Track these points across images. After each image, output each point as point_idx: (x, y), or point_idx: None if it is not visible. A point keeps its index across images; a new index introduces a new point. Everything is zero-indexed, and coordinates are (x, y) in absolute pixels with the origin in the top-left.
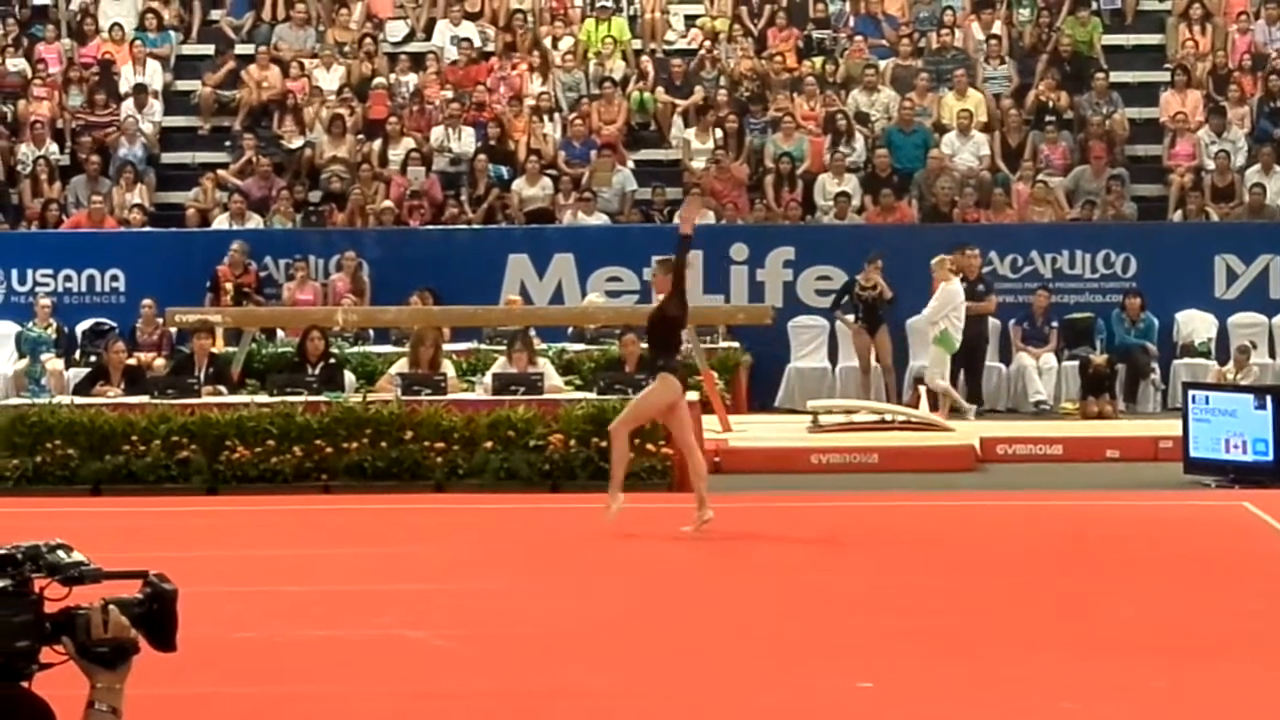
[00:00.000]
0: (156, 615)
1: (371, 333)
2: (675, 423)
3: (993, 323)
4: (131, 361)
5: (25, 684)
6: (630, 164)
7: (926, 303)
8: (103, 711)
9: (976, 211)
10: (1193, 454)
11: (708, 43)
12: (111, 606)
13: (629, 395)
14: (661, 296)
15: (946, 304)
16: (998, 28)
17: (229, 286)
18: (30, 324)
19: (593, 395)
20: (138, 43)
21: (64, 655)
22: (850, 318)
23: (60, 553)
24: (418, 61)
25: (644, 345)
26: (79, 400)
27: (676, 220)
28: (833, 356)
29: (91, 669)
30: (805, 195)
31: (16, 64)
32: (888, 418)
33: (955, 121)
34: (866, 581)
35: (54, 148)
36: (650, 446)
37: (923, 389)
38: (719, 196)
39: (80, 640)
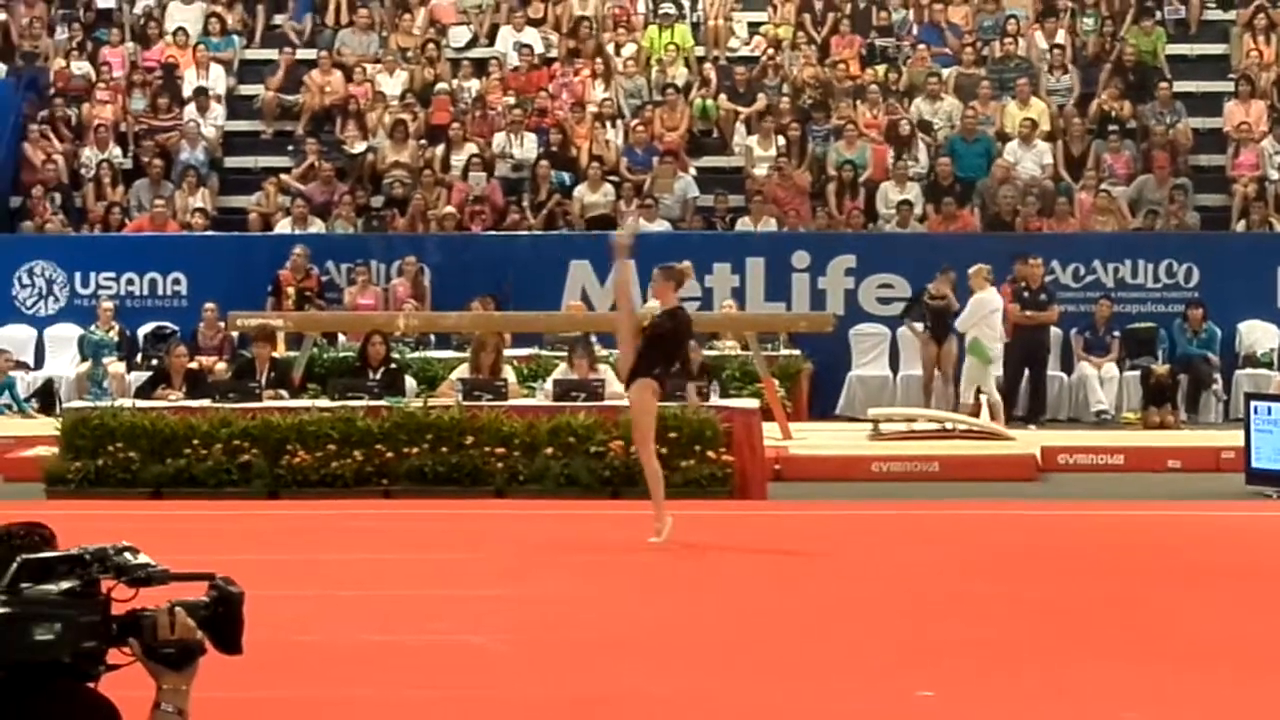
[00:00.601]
0: (222, 618)
1: (432, 338)
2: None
3: (1054, 332)
4: (193, 365)
5: (92, 684)
6: (692, 171)
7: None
8: (169, 713)
9: (1039, 220)
10: (1254, 465)
11: (771, 50)
12: (178, 609)
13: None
14: (661, 306)
15: (976, 313)
16: (1061, 37)
17: (290, 291)
18: (93, 327)
19: None
20: (201, 47)
21: (131, 656)
22: (919, 326)
23: (127, 554)
24: (480, 67)
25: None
26: (140, 403)
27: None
28: (894, 364)
29: (158, 670)
30: (867, 203)
31: (81, 67)
32: (949, 426)
33: (1018, 130)
34: (926, 589)
35: (117, 151)
36: (710, 453)
37: (983, 398)
38: (781, 204)
39: (147, 642)
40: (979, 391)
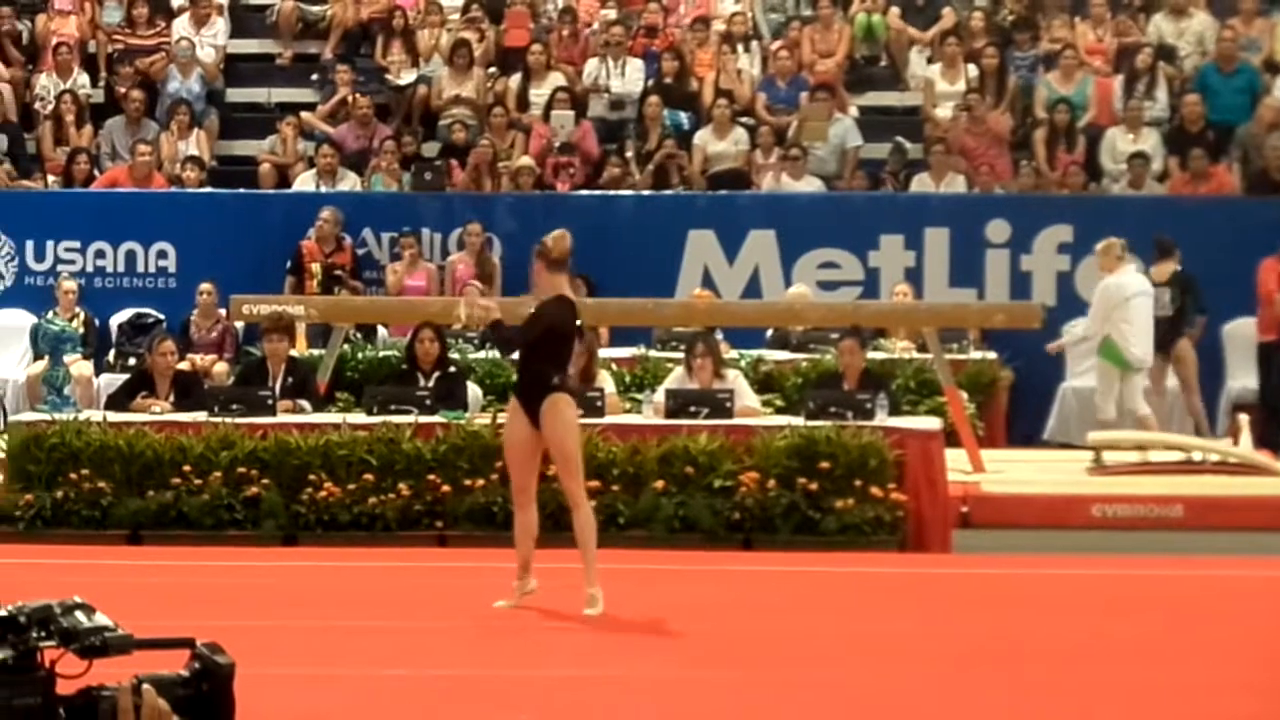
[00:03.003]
0: (206, 699)
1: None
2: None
3: None
4: (184, 366)
5: None
6: (853, 111)
7: (1247, 301)
8: None
9: None
10: None
11: None
12: (146, 686)
13: (848, 419)
14: (541, 294)
15: (1106, 303)
16: None
17: (315, 268)
18: (50, 314)
19: (799, 420)
20: None
21: None
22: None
23: (79, 614)
24: None
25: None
26: (113, 416)
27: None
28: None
29: None
30: (1088, 156)
31: None
32: (1195, 456)
33: None
34: (1169, 678)
35: (84, 79)
36: (875, 490)
37: (1243, 418)
38: (972, 156)
39: None
40: (1237, 408)
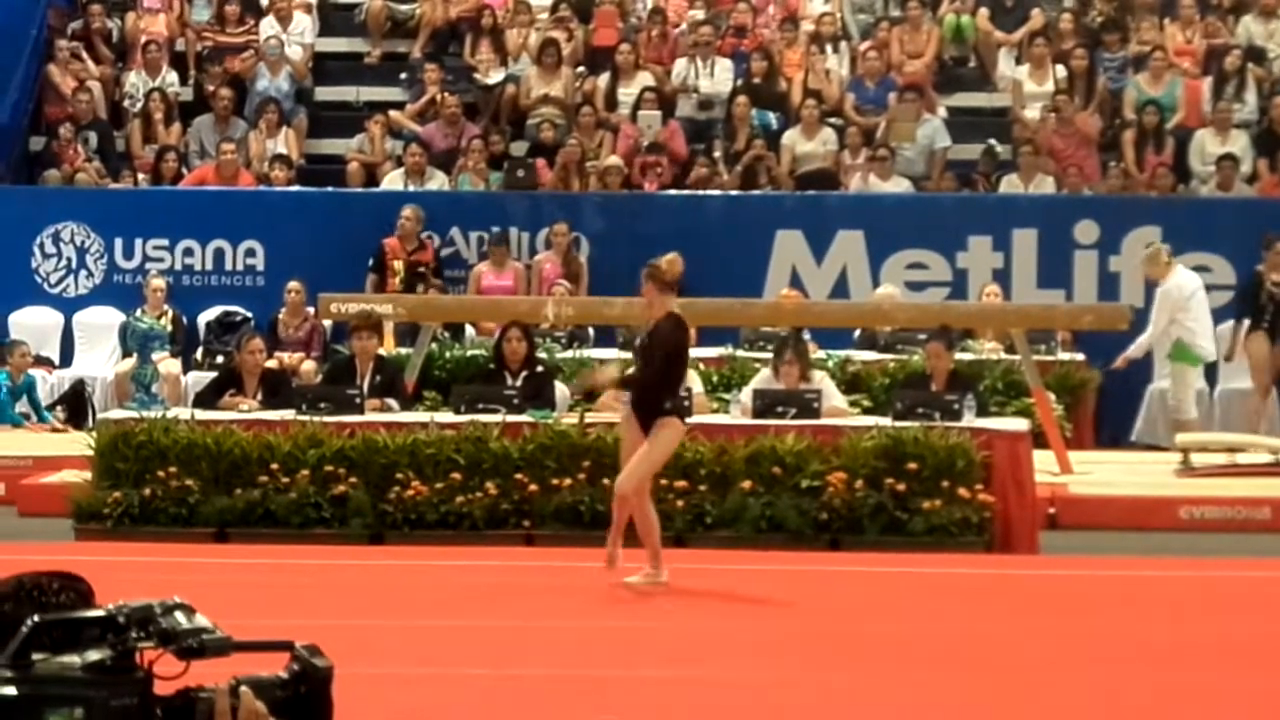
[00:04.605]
0: (305, 701)
1: (591, 331)
2: None
3: None
4: (272, 364)
5: None
6: (941, 112)
7: None
8: None
9: None
10: None
11: None
12: (244, 688)
13: (935, 420)
14: (654, 315)
15: (1170, 308)
16: None
17: (397, 265)
18: (139, 312)
19: (887, 421)
20: None
21: None
22: (1246, 322)
23: (178, 615)
24: None
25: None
26: (201, 414)
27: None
28: (1211, 376)
29: None
30: (1177, 158)
31: None
32: None
33: None
34: (1257, 681)
35: (173, 77)
36: (963, 491)
37: None
38: (1060, 158)
39: None
40: None
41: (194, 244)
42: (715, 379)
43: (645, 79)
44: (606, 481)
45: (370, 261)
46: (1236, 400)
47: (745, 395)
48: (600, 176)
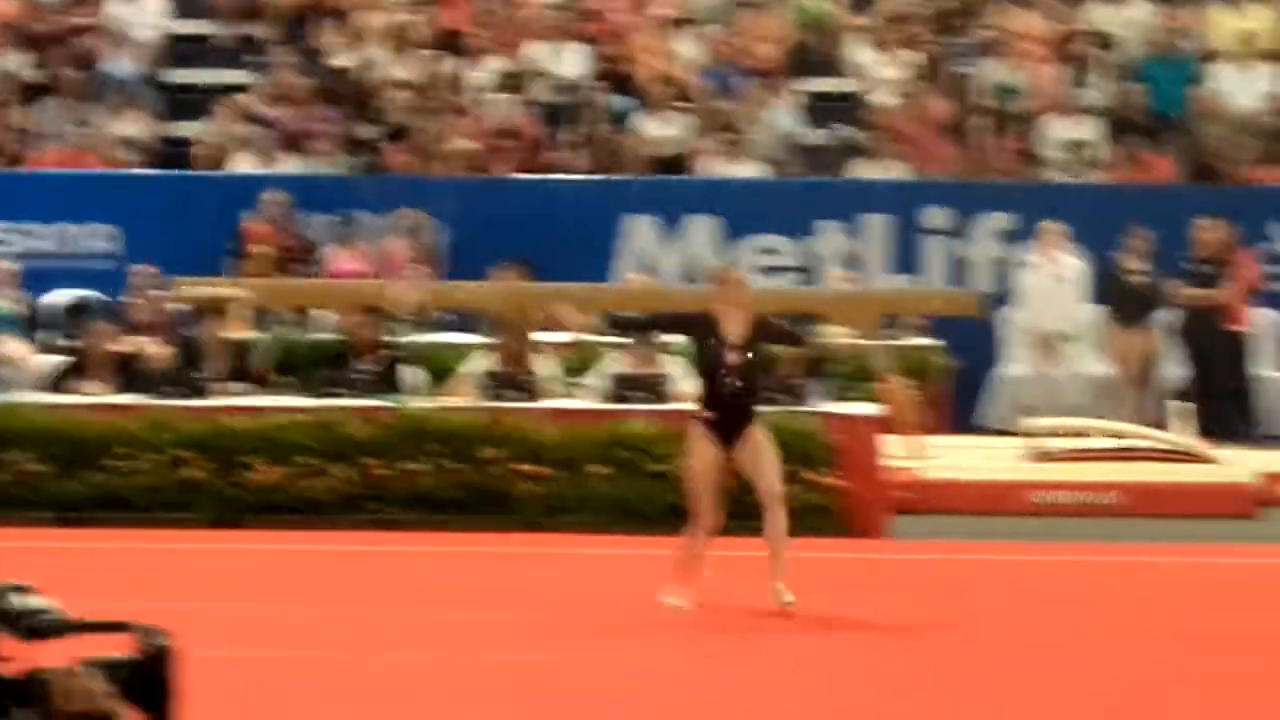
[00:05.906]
0: (146, 682)
1: (446, 316)
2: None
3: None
4: (122, 349)
5: None
6: (793, 97)
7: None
8: None
9: (1260, 169)
10: None
11: None
12: (85, 668)
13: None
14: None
15: None
16: None
17: (260, 250)
18: None
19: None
20: None
21: None
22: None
23: (19, 596)
24: None
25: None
26: (49, 399)
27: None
28: (1063, 358)
29: None
30: (1028, 144)
31: None
32: (1134, 443)
33: (1233, 47)
34: (1101, 668)
35: (20, 59)
36: (812, 475)
37: (1181, 405)
38: (910, 143)
39: (44, 712)
40: (1178, 395)
41: (42, 226)
42: (567, 364)
43: (497, 63)
44: (459, 466)
45: (230, 246)
46: (1088, 386)
47: (600, 378)
48: (451, 160)
